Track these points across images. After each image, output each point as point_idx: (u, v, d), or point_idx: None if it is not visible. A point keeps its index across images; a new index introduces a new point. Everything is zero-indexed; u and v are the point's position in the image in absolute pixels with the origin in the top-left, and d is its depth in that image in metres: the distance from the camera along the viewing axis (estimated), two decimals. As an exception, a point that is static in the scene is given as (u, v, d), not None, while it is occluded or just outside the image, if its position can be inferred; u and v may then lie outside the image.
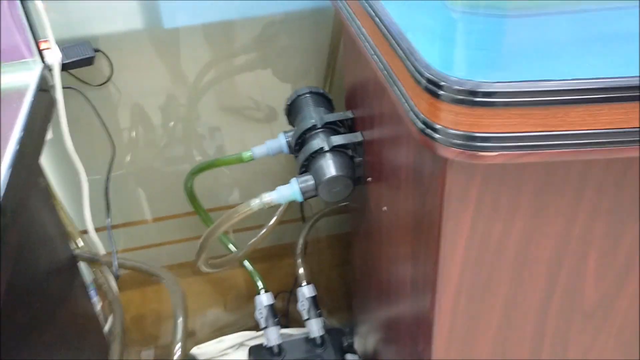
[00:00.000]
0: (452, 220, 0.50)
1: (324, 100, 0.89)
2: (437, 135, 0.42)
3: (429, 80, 0.40)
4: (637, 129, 0.40)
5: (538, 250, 0.52)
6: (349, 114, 0.82)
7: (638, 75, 0.38)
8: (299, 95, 0.89)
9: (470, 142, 0.40)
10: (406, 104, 0.46)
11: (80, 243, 0.97)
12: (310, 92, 0.89)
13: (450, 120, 0.40)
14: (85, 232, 1.01)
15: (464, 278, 0.54)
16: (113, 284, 0.92)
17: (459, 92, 0.39)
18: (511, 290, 0.55)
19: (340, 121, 0.82)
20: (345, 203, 1.02)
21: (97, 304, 1.03)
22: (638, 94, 0.38)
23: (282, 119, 0.92)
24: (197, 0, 0.94)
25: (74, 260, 0.92)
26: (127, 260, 0.91)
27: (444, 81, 0.40)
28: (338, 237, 1.29)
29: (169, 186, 1.13)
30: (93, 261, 0.92)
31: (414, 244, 0.61)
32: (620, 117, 0.40)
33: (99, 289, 1.00)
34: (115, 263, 0.88)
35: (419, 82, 0.42)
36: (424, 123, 0.42)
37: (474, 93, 0.39)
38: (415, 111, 0.44)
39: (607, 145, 0.40)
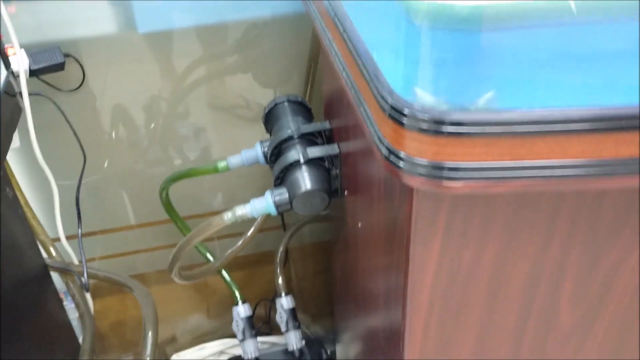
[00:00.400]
0: (420, 246, 0.48)
1: (303, 109, 0.87)
2: (401, 163, 0.40)
3: (393, 107, 0.38)
4: (610, 160, 0.38)
5: (511, 277, 0.50)
6: (326, 125, 0.80)
7: (608, 105, 0.36)
8: (277, 104, 0.86)
9: (434, 172, 0.38)
10: (372, 128, 0.44)
11: (54, 252, 0.95)
12: (289, 101, 0.87)
13: (414, 148, 0.38)
14: (58, 240, 0.99)
15: (434, 301, 0.52)
16: (84, 295, 0.90)
17: (423, 121, 0.37)
18: (484, 314, 0.54)
19: (318, 132, 0.79)
20: (325, 212, 1.00)
21: (75, 311, 1.00)
22: (609, 125, 0.36)
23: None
24: (172, 1, 0.91)
25: (45, 270, 0.89)
26: (99, 271, 0.89)
27: (407, 108, 0.38)
28: (321, 245, 1.27)
29: (148, 192, 1.11)
30: (64, 271, 0.89)
31: (386, 263, 0.59)
32: (592, 147, 0.38)
33: (74, 297, 0.97)
34: (85, 274, 0.86)
35: (383, 109, 0.40)
36: (389, 150, 0.40)
37: (437, 122, 0.37)
38: (380, 136, 0.42)
39: (578, 177, 0.38)
